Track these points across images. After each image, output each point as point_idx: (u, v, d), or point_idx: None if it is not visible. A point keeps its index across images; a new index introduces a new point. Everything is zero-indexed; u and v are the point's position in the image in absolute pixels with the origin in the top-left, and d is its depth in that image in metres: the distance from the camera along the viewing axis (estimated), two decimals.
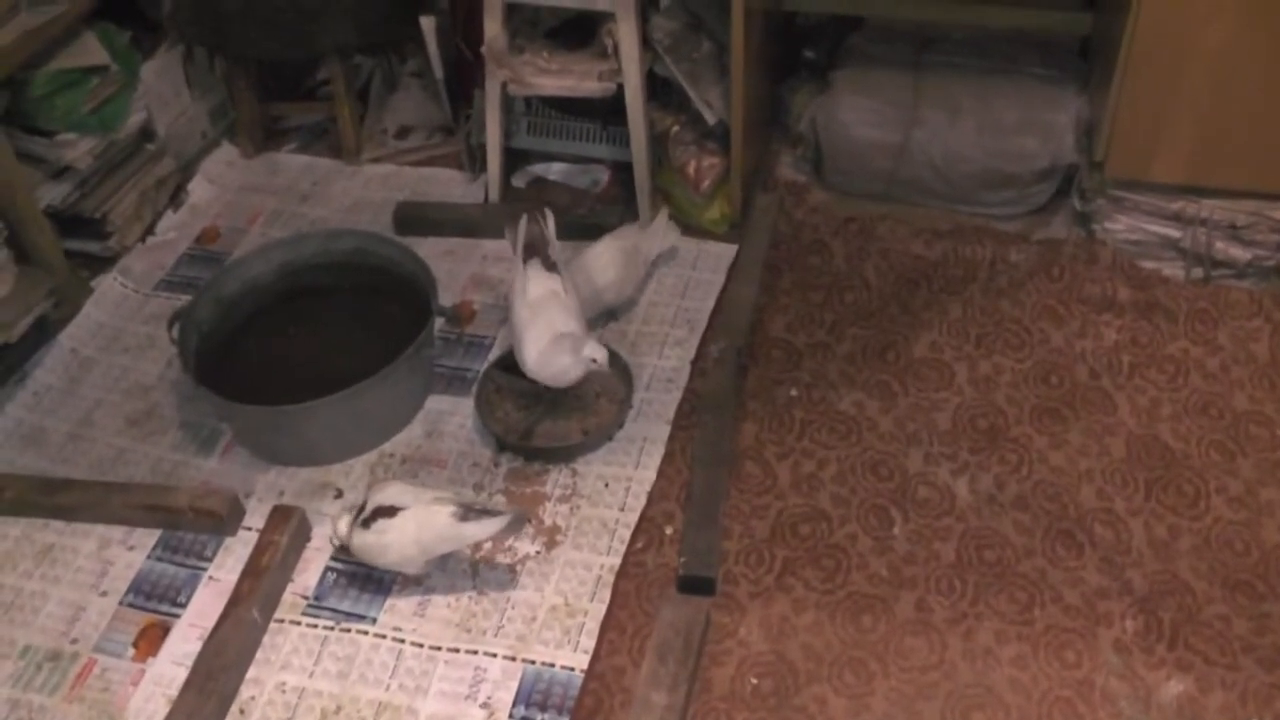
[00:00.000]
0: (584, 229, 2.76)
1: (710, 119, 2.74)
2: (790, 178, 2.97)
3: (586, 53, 2.69)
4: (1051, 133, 2.72)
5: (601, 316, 2.64)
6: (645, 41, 2.67)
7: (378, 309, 2.62)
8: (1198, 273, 2.64)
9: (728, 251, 2.81)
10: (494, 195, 2.96)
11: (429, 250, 2.82)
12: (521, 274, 2.40)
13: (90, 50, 2.77)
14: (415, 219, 2.91)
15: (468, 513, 2.14)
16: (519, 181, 3.02)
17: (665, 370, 2.56)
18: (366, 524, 2.13)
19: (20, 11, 2.65)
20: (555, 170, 3.01)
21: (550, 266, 2.42)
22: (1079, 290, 2.63)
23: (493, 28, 2.67)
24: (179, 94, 3.05)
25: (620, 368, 2.50)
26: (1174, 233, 2.63)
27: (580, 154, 2.98)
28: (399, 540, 2.12)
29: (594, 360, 2.33)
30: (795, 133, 2.96)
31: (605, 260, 2.59)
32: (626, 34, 2.60)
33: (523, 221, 2.43)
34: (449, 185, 3.08)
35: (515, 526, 2.16)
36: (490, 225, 2.83)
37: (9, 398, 2.61)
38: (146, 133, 2.96)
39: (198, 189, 3.11)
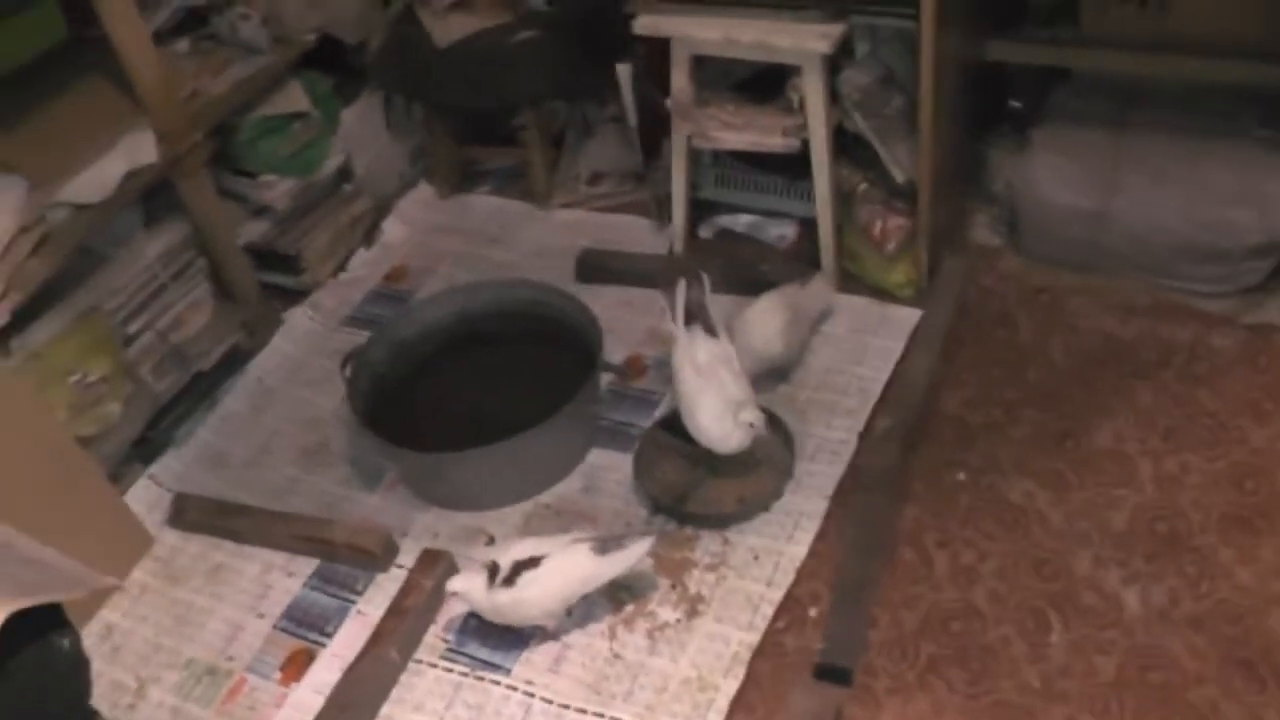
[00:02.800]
0: (764, 288, 2.70)
1: (899, 178, 2.63)
2: (983, 241, 2.83)
3: (773, 107, 2.63)
4: (1270, 204, 2.49)
5: (769, 377, 2.57)
6: (834, 96, 2.60)
7: (550, 359, 2.63)
8: None
9: (911, 317, 2.69)
10: (678, 247, 2.94)
11: (609, 299, 2.83)
12: (686, 339, 2.38)
13: (294, 98, 2.90)
14: (597, 267, 2.92)
15: (606, 545, 2.14)
16: (706, 232, 2.99)
17: (831, 442, 2.47)
18: (509, 581, 2.13)
19: (234, 63, 2.80)
20: (742, 223, 2.96)
21: (710, 330, 2.39)
22: None
23: (679, 80, 2.65)
24: (377, 137, 3.16)
25: (784, 436, 2.44)
26: None
27: (768, 208, 2.92)
28: (543, 592, 2.13)
29: (751, 424, 2.29)
30: (991, 192, 2.82)
31: (768, 317, 2.53)
32: (813, 89, 2.53)
33: (681, 285, 2.41)
34: (636, 233, 3.07)
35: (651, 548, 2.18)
36: (672, 277, 2.80)
37: (200, 421, 2.76)
38: (345, 173, 3.08)
39: (391, 228, 3.21)
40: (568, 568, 2.13)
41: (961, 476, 2.36)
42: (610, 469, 2.51)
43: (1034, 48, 2.77)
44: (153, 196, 2.70)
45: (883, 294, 2.76)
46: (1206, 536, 2.19)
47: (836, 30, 2.48)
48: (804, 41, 2.48)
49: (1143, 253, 2.61)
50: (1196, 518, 2.22)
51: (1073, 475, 2.33)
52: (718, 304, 2.49)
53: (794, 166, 2.78)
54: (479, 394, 2.63)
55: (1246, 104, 2.66)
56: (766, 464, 2.42)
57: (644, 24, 2.61)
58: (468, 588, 2.17)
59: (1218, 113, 2.66)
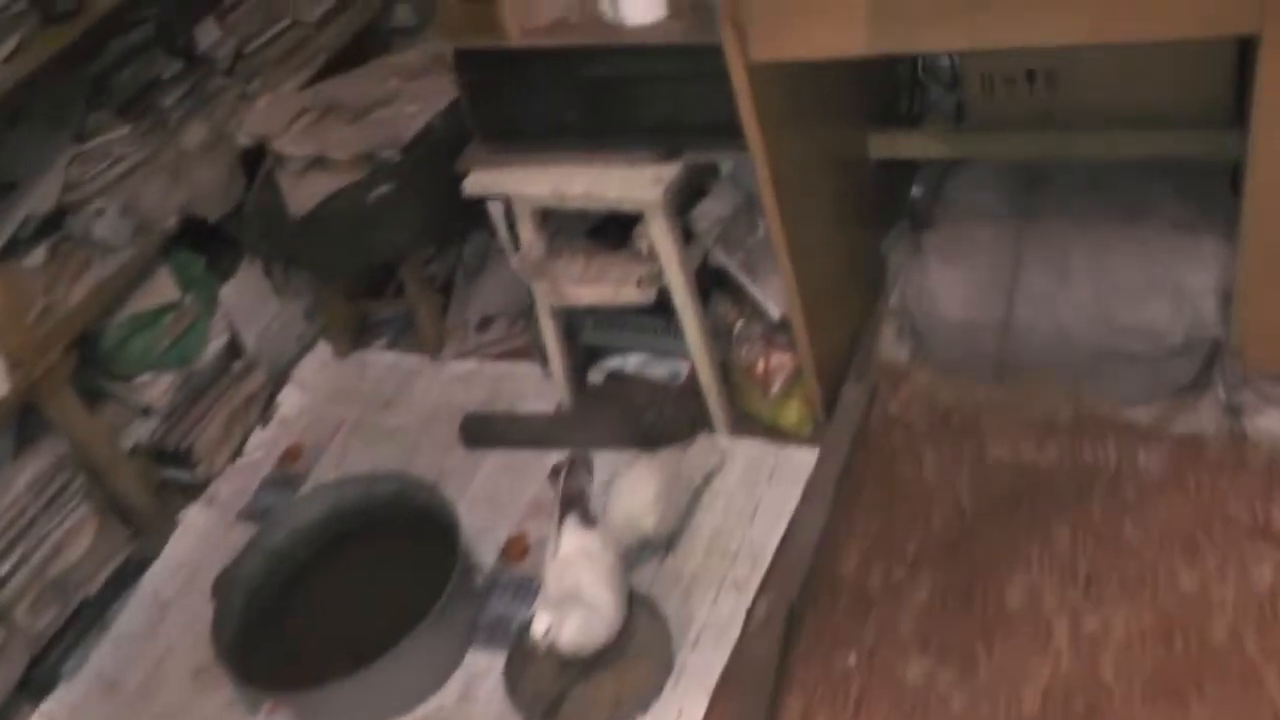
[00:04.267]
0: (652, 439, 2.51)
1: (774, 313, 2.40)
2: (890, 357, 2.55)
3: (627, 253, 2.41)
4: (1186, 297, 2.19)
5: (644, 550, 2.37)
6: (690, 235, 2.37)
7: (423, 555, 2.41)
8: None
9: (808, 459, 2.43)
10: (565, 400, 2.73)
11: (494, 465, 2.67)
12: (555, 532, 2.20)
13: (163, 288, 2.76)
14: (481, 433, 2.73)
15: None
16: (595, 377, 2.77)
17: (718, 622, 2.24)
18: None
19: (93, 264, 2.66)
20: (632, 363, 2.73)
21: (588, 521, 2.21)
22: (1221, 509, 2.10)
23: (526, 236, 2.45)
24: (266, 304, 3.01)
25: (660, 626, 2.23)
26: None
27: (653, 347, 2.69)
28: None
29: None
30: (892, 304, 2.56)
31: (639, 488, 2.33)
32: (660, 234, 2.30)
33: (562, 474, 2.23)
34: (528, 383, 2.86)
35: None
36: (558, 436, 2.62)
37: (92, 646, 2.63)
38: (233, 350, 2.93)
39: (288, 399, 3.04)
40: None
41: (852, 661, 2.11)
42: (488, 672, 2.31)
43: (920, 140, 2.51)
44: (24, 417, 2.61)
45: (780, 434, 2.51)
46: (1129, 710, 1.91)
47: (670, 172, 2.25)
48: (634, 190, 2.25)
49: (1057, 361, 2.33)
50: (1119, 688, 1.94)
51: (980, 645, 2.06)
52: (605, 463, 2.32)
53: (668, 304, 2.56)
54: (355, 601, 2.46)
55: (1161, 176, 2.35)
56: (645, 656, 2.21)
57: (473, 184, 2.42)
58: None
59: (1130, 189, 2.37)
